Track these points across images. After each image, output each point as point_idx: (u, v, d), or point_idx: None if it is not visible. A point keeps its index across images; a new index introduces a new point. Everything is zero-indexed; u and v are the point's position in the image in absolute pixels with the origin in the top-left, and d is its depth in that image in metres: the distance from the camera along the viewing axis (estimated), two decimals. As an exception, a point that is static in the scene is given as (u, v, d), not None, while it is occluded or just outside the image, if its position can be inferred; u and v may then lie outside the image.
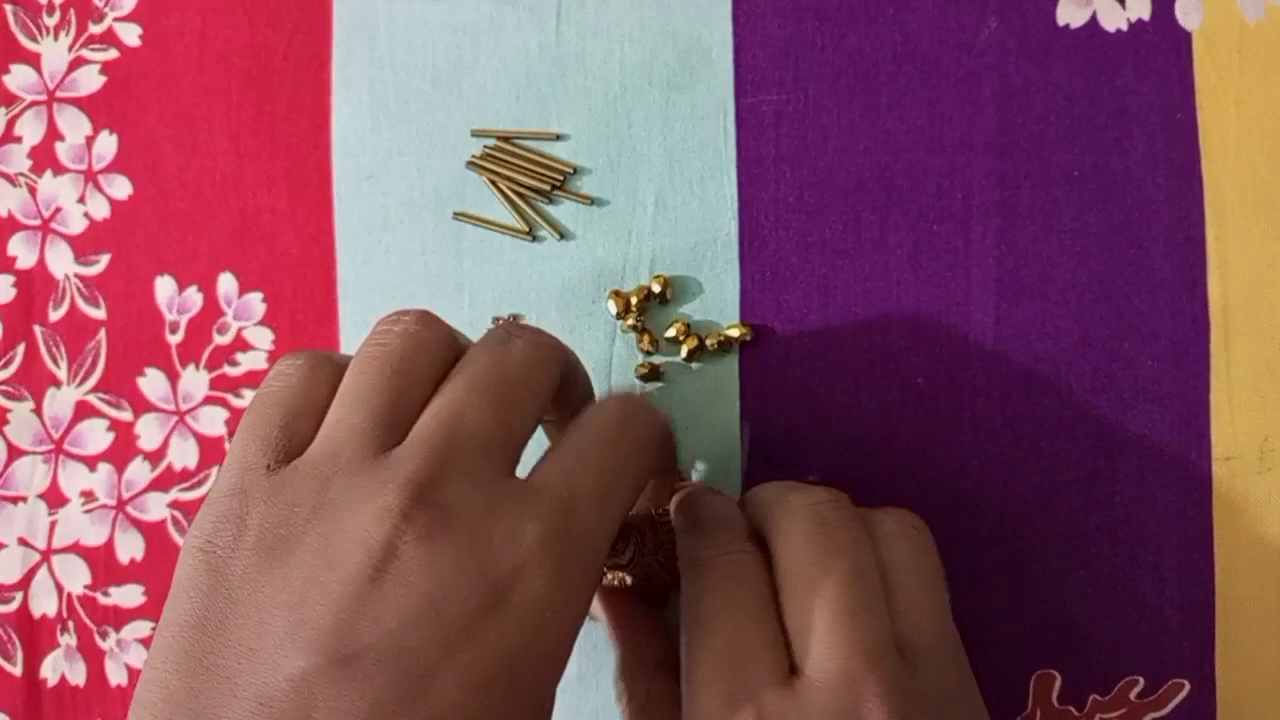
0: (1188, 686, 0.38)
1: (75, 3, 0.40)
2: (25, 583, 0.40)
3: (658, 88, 0.39)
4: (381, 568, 0.23)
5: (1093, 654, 0.38)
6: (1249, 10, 0.39)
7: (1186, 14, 0.39)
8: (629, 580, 0.33)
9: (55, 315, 0.40)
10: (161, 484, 0.39)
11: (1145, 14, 0.39)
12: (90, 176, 0.40)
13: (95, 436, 0.40)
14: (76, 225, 0.40)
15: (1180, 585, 0.38)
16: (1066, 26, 0.39)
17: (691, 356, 0.38)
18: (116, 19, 0.40)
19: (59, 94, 0.40)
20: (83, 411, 0.40)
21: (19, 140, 0.40)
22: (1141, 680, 0.38)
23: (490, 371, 0.27)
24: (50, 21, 0.40)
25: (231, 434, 0.39)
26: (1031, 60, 0.39)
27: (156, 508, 0.39)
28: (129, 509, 0.39)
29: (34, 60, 0.40)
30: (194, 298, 0.40)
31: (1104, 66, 0.39)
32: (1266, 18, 0.39)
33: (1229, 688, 0.38)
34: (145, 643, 0.39)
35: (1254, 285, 0.38)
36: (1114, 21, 0.39)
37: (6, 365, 0.40)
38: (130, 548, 0.39)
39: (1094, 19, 0.39)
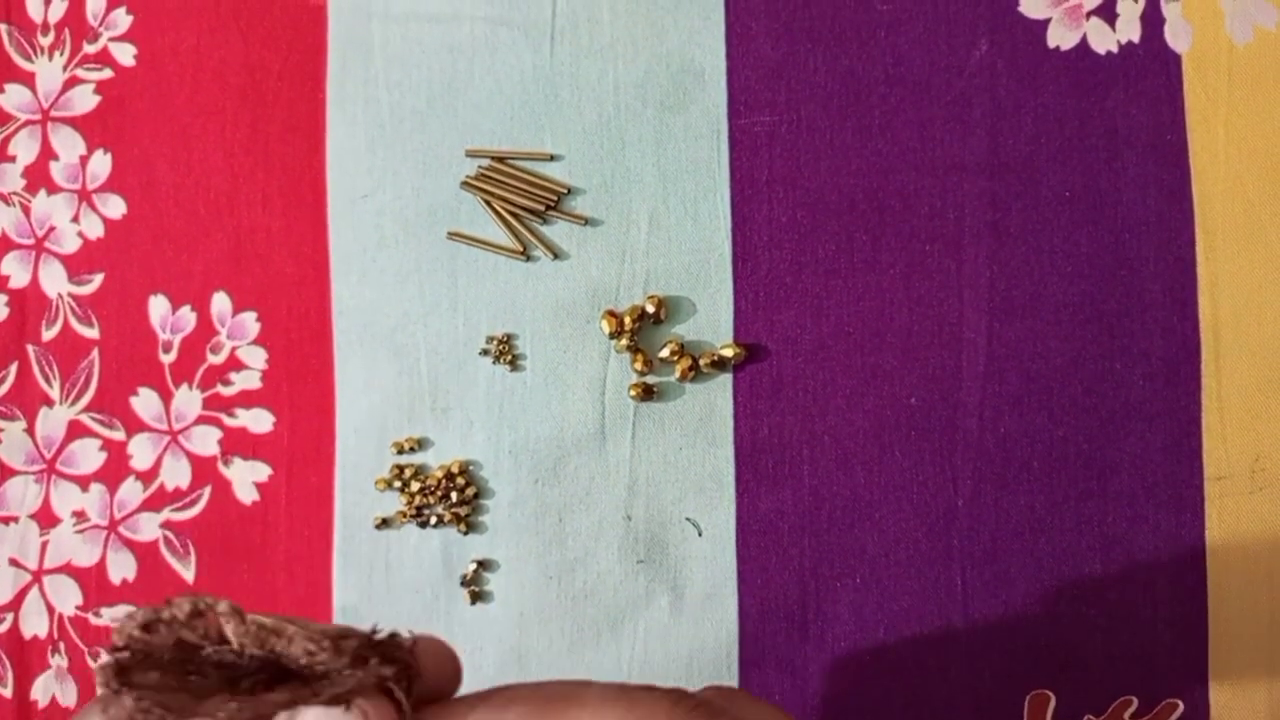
0: (1181, 706, 0.38)
1: (70, 22, 0.40)
2: (16, 604, 0.39)
3: (651, 108, 0.39)
4: None
5: (1087, 674, 0.38)
6: (1237, 33, 0.39)
7: (1176, 37, 0.39)
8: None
9: (48, 334, 0.40)
10: (153, 504, 0.39)
11: (1135, 37, 0.39)
12: (84, 196, 0.40)
13: (87, 456, 0.39)
14: (70, 244, 0.40)
15: (1173, 605, 0.38)
16: (1057, 49, 0.39)
17: (685, 376, 0.38)
18: (111, 39, 0.40)
19: (53, 113, 0.40)
20: (75, 431, 0.40)
21: (13, 159, 0.40)
22: (1135, 700, 0.38)
23: None
24: (45, 41, 0.41)
25: (224, 454, 0.39)
26: (1022, 82, 0.39)
27: (149, 528, 0.39)
28: (121, 529, 0.39)
29: (28, 80, 0.40)
30: (187, 317, 0.40)
31: (1094, 88, 0.39)
32: (1255, 40, 0.39)
33: (1222, 706, 0.38)
34: (136, 664, 0.39)
35: (1244, 305, 0.38)
36: (1104, 44, 0.39)
37: (-1, 384, 0.40)
38: (122, 568, 0.39)
39: (1084, 41, 0.39)
